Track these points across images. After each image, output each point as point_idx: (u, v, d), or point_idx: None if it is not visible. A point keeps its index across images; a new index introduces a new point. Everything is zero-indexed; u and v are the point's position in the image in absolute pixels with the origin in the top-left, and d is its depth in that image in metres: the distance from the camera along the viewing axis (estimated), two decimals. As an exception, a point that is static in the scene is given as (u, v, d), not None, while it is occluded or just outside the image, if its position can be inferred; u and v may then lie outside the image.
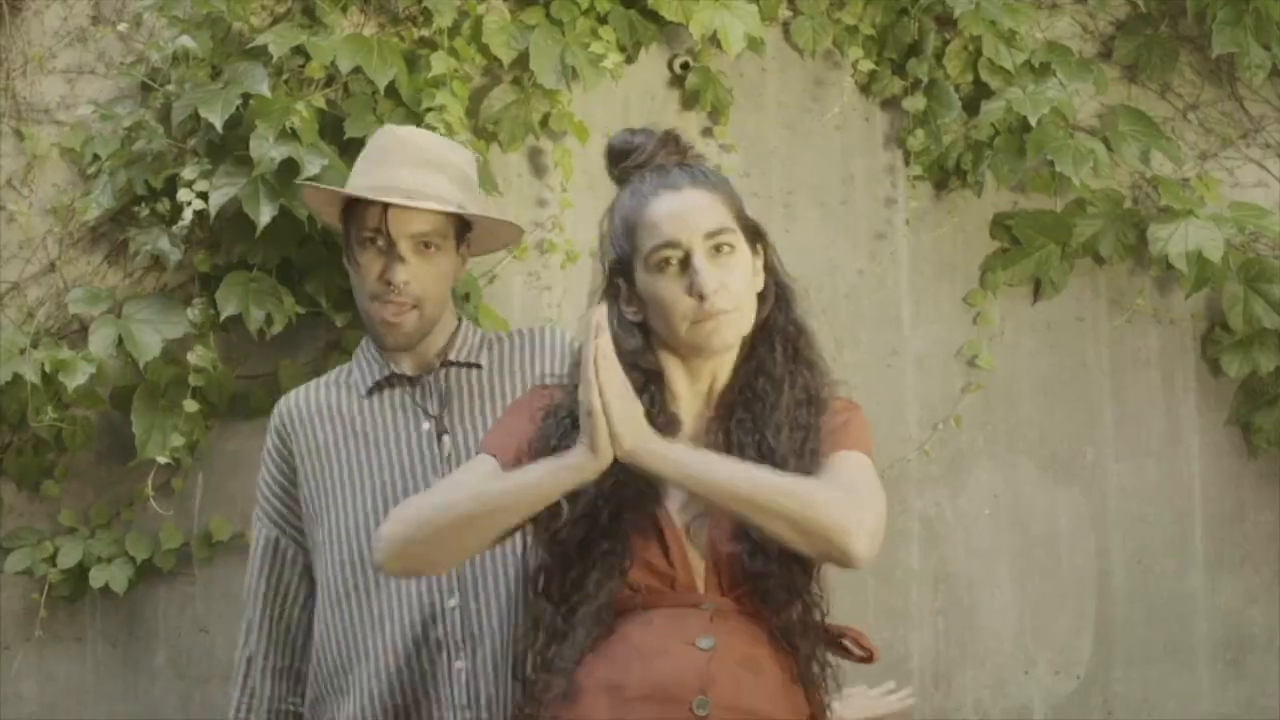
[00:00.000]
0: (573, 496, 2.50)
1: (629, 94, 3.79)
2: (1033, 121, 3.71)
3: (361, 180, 3.04)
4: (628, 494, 2.52)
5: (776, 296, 2.61)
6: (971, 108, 3.81)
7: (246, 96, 3.52)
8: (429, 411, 3.01)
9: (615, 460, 2.43)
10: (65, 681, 3.74)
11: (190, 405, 3.59)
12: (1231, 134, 3.91)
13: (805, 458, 2.54)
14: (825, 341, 3.71)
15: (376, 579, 2.93)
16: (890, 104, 3.87)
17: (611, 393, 2.41)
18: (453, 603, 2.92)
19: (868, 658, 2.59)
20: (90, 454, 3.71)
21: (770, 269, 2.61)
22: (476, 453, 2.64)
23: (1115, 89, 3.88)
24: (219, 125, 3.49)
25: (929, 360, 3.85)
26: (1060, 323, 3.89)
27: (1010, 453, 3.86)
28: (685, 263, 2.52)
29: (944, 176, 3.84)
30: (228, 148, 3.56)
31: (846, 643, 2.60)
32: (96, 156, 3.68)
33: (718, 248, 2.52)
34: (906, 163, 3.85)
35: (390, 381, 3.03)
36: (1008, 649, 3.84)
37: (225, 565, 3.74)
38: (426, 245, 2.98)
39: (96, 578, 3.65)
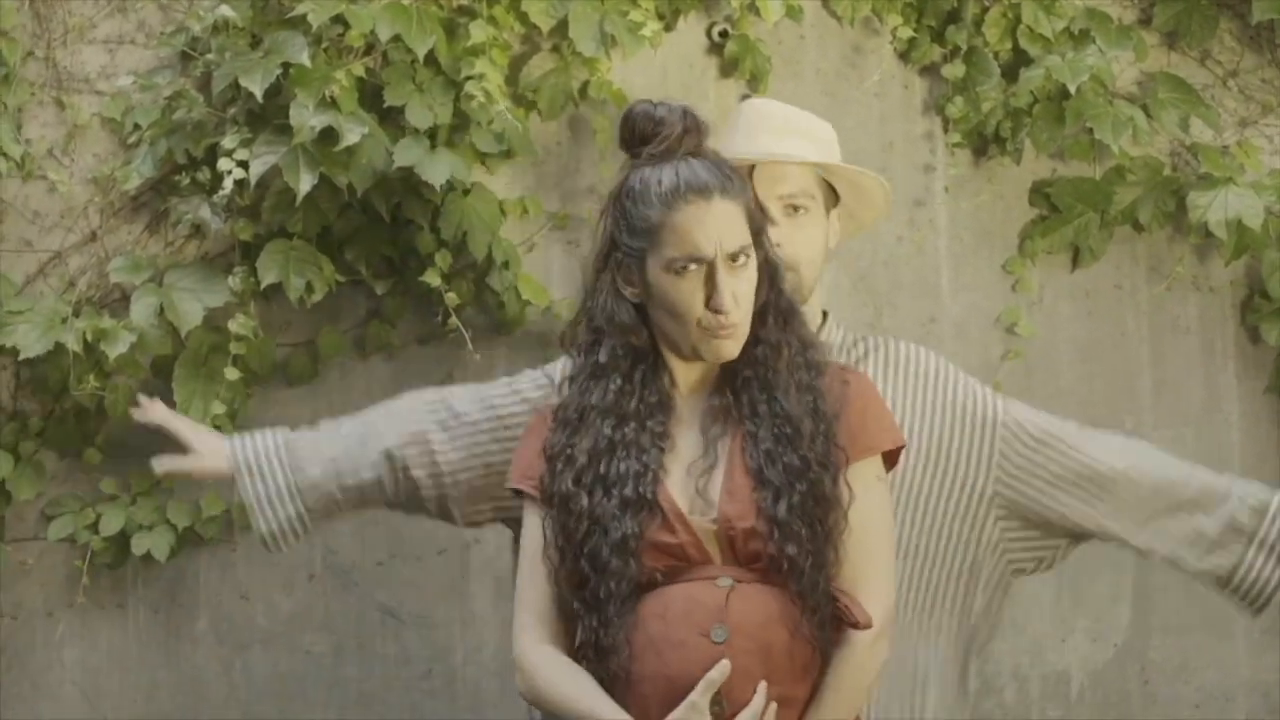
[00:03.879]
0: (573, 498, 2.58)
1: (667, 62, 3.78)
2: (1072, 89, 3.70)
3: (725, 152, 3.05)
4: (627, 481, 2.57)
5: (769, 277, 2.66)
6: (1010, 75, 3.80)
7: (286, 65, 3.51)
8: None
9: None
10: (107, 648, 3.77)
11: (231, 373, 3.61)
12: (1272, 101, 3.89)
13: (819, 420, 2.60)
14: (864, 308, 3.79)
15: None
16: (929, 71, 3.86)
17: None
18: None
19: (855, 625, 2.61)
20: (131, 422, 3.71)
21: (766, 256, 2.66)
22: (507, 484, 2.74)
23: (1155, 56, 3.87)
24: (259, 94, 3.49)
25: (968, 327, 3.85)
26: (1099, 290, 3.88)
27: (1049, 420, 3.85)
28: (706, 273, 2.56)
29: (983, 144, 3.83)
30: (267, 116, 3.57)
31: (840, 608, 2.61)
32: (137, 126, 3.69)
33: (735, 259, 2.58)
34: (945, 130, 3.84)
35: None
36: (1046, 617, 3.84)
37: (266, 533, 3.76)
38: (795, 208, 2.96)
39: (138, 545, 3.67)
